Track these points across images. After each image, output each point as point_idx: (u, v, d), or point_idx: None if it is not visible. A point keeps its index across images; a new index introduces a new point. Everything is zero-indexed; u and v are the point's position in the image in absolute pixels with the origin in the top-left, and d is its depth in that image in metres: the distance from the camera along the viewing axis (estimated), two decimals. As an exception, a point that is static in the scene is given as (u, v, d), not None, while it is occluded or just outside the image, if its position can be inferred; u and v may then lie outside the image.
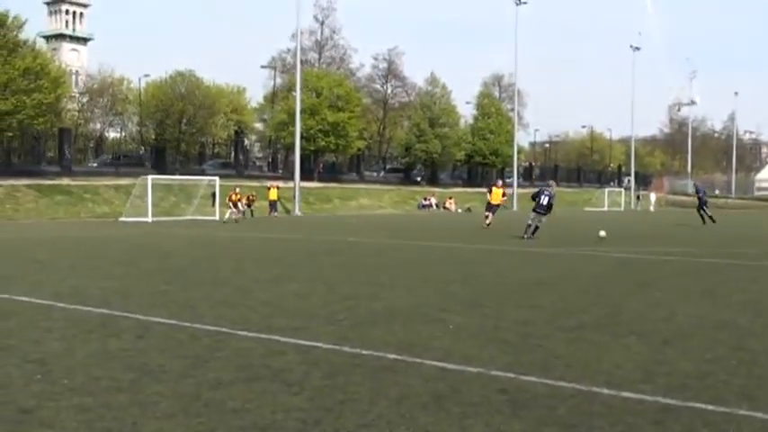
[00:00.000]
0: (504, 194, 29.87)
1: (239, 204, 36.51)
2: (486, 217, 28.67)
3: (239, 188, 38.29)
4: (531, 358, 6.36)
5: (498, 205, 29.33)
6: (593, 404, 5.04)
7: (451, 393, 5.26)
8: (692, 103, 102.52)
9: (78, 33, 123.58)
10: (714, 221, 31.67)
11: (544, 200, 21.74)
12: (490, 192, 29.76)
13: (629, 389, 5.40)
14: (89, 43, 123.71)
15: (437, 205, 59.16)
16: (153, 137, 61.18)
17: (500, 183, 31.12)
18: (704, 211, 32.28)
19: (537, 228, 21.56)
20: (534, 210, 21.89)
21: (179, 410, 4.81)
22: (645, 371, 5.95)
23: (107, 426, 4.51)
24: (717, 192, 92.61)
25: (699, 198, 33.42)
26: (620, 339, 7.20)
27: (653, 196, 73.12)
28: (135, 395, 5.14)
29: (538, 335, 7.37)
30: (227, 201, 36.55)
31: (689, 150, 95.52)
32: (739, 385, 5.57)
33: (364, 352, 6.50)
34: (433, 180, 68.96)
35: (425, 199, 59.90)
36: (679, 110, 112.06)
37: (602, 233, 21.50)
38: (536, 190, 23.44)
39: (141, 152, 56.88)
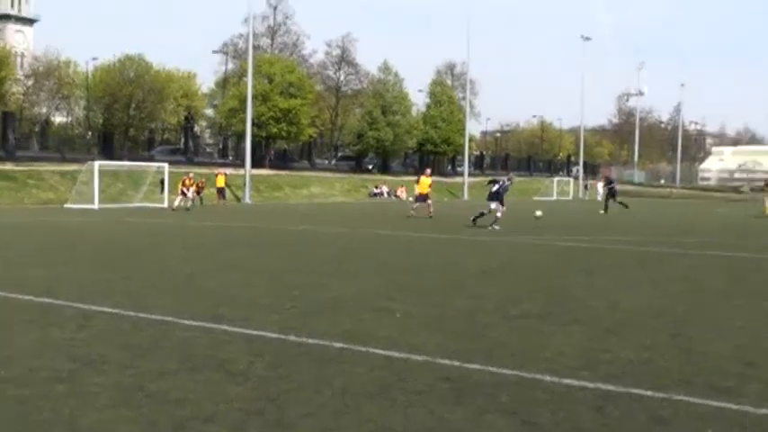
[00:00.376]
0: (430, 185, 29.84)
1: (190, 191, 35.96)
2: (419, 206, 28.89)
3: (192, 174, 37.78)
4: (476, 346, 6.42)
5: (426, 195, 28.91)
6: (535, 391, 5.12)
7: (396, 382, 5.28)
8: (640, 93, 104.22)
9: (24, 14, 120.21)
10: (627, 207, 34.98)
11: (494, 187, 22.18)
12: (418, 181, 29.73)
13: (571, 376, 5.49)
14: (35, 24, 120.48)
15: (388, 194, 59.24)
16: (100, 122, 59.94)
17: (428, 171, 31.11)
18: (614, 200, 35.25)
19: (482, 214, 21.94)
20: (489, 198, 22.36)
21: (120, 402, 4.74)
22: (587, 358, 6.06)
23: (44, 418, 4.43)
24: (662, 181, 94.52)
25: (610, 189, 36.36)
26: (564, 327, 7.31)
27: (600, 186, 74.33)
28: (74, 386, 5.05)
29: (483, 323, 7.44)
30: (179, 187, 35.92)
31: (636, 141, 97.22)
32: (677, 371, 5.71)
33: (310, 341, 6.49)
34: (384, 168, 68.99)
35: (377, 187, 59.92)
36: (627, 100, 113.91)
37: (539, 213, 21.95)
38: (491, 178, 23.68)
39: (87, 137, 55.72)
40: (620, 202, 35.17)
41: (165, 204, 37.03)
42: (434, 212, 27.67)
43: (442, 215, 27.58)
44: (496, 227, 21.13)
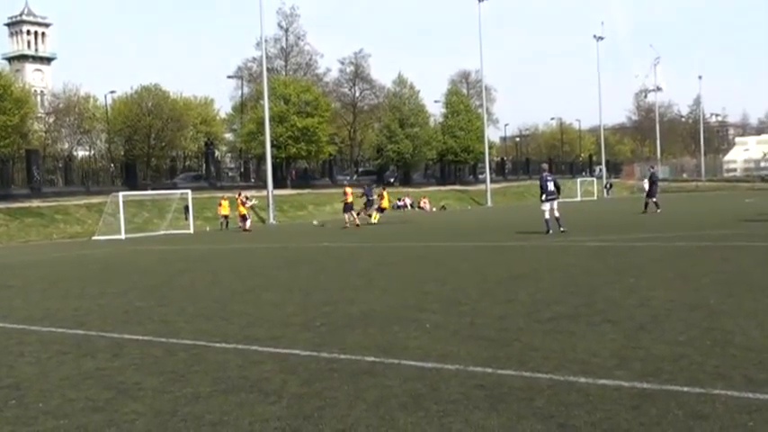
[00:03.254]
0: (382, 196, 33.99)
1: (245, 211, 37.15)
2: (370, 215, 32.59)
3: (243, 192, 39.38)
4: (508, 352, 6.39)
5: (352, 204, 32.42)
6: (570, 394, 5.08)
7: (430, 392, 5.27)
8: (658, 89, 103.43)
9: (41, 53, 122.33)
10: (659, 208, 31.28)
11: (550, 185, 21.46)
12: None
13: (606, 376, 5.45)
14: (53, 62, 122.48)
15: (412, 205, 59.22)
16: (122, 153, 60.60)
17: (346, 184, 35.84)
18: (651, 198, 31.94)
19: (557, 218, 21.07)
20: (546, 200, 21.37)
21: (156, 427, 4.78)
22: (620, 357, 6.01)
23: (83, 447, 4.47)
24: (684, 175, 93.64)
25: (652, 184, 32.81)
26: (596, 328, 7.25)
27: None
28: (111, 414, 5.09)
29: (514, 329, 7.40)
30: (240, 210, 36.99)
31: (657, 136, 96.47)
32: (713, 365, 5.63)
33: (342, 356, 6.50)
34: (405, 180, 69.03)
35: (399, 200, 59.94)
36: (645, 97, 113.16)
37: (316, 222, 21.92)
38: (538, 182, 22.58)
39: (111, 169, 56.35)
40: (655, 202, 31.67)
41: (191, 230, 37.32)
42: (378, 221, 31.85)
43: (465, 223, 27.52)
44: (562, 229, 20.74)
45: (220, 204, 40.14)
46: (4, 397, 5.73)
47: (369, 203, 34.91)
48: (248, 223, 36.59)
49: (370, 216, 34.23)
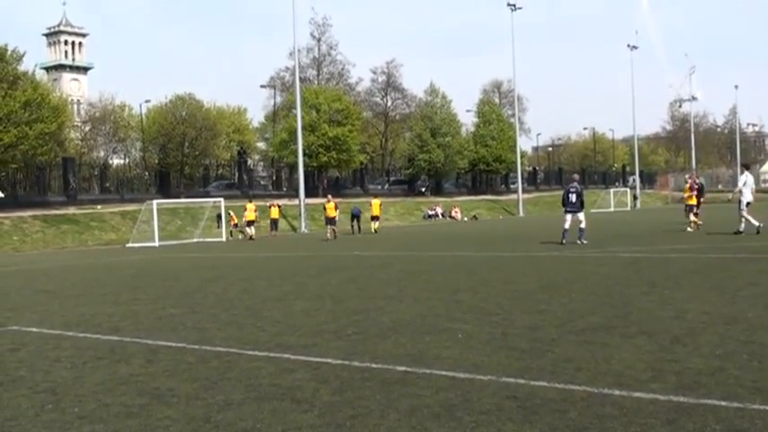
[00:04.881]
0: (336, 207, 34.20)
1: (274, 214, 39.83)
2: (333, 231, 33.01)
3: (275, 202, 41.15)
4: (541, 363, 6.33)
5: (333, 218, 33.52)
6: (604, 406, 5.02)
7: (462, 402, 5.24)
8: (693, 98, 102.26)
9: (78, 63, 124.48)
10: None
11: (572, 197, 21.52)
12: (325, 208, 34.37)
13: (641, 389, 5.37)
14: (89, 72, 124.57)
15: (443, 214, 59.13)
16: (156, 161, 61.34)
17: (329, 197, 35.83)
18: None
19: (581, 230, 21.19)
20: (566, 210, 21.62)
21: (190, 433, 4.81)
22: (655, 370, 5.93)
23: (118, 452, 4.51)
24: (720, 186, 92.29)
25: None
26: (630, 340, 7.17)
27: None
28: (145, 420, 5.14)
29: (547, 339, 7.34)
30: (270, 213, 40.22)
31: (692, 146, 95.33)
32: (751, 380, 5.53)
33: (373, 365, 6.49)
34: (437, 190, 68.99)
35: (431, 209, 59.90)
36: (680, 106, 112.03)
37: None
38: (563, 192, 22.85)
39: (145, 177, 57.05)
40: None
41: (223, 238, 37.61)
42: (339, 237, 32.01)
43: (497, 233, 27.40)
44: (582, 241, 20.80)
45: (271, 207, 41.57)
46: (40, 401, 5.81)
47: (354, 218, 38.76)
48: (251, 230, 37.58)
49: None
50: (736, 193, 22.92)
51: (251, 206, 39.05)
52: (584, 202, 21.88)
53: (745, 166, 25.00)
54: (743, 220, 22.20)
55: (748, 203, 22.29)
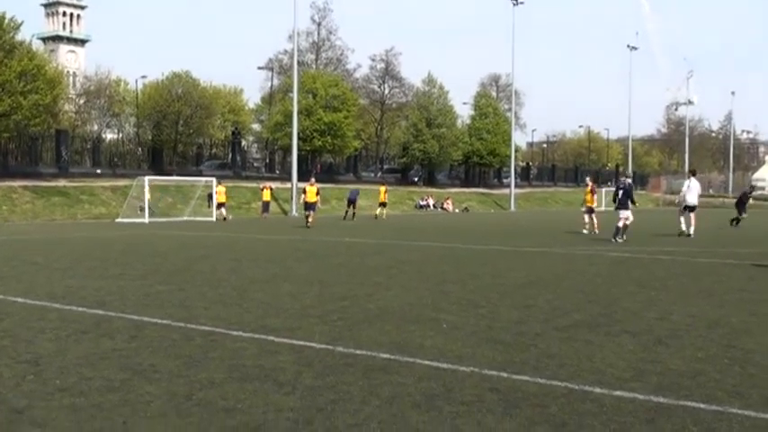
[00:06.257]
0: (318, 192, 31.71)
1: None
2: (308, 217, 30.11)
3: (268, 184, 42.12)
4: (524, 357, 6.36)
5: (314, 203, 31.01)
6: (584, 403, 5.05)
7: (444, 392, 5.26)
8: (690, 102, 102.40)
9: (75, 35, 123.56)
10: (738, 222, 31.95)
11: (621, 194, 21.83)
12: (305, 191, 31.55)
13: (621, 387, 5.41)
14: (86, 45, 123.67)
15: (434, 205, 59.16)
16: (150, 138, 61.00)
17: (312, 180, 32.68)
18: (740, 212, 32.05)
19: (624, 227, 21.30)
20: (615, 207, 21.96)
21: (170, 410, 4.81)
22: (637, 369, 5.96)
23: (98, 426, 4.51)
24: (711, 191, 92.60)
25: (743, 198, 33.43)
26: (614, 338, 7.21)
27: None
28: (126, 395, 5.14)
29: (531, 334, 7.37)
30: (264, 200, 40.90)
31: (686, 150, 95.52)
32: (731, 384, 5.58)
33: (357, 352, 6.50)
34: (430, 180, 68.95)
35: (423, 199, 59.89)
36: (676, 109, 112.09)
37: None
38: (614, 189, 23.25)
39: (138, 153, 56.84)
40: (736, 218, 32.31)
41: (213, 218, 37.55)
42: (355, 220, 31.01)
43: (488, 226, 27.45)
44: (620, 239, 20.88)
45: (263, 189, 42.60)
46: (22, 371, 5.80)
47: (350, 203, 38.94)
48: (223, 211, 37.99)
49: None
50: (680, 198, 24.34)
51: (221, 189, 39.05)
52: (633, 200, 22.07)
53: (692, 173, 26.25)
54: (682, 221, 23.79)
55: (686, 207, 23.78)
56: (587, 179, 30.11)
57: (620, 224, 21.23)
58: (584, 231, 25.32)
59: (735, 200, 37.31)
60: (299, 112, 50.14)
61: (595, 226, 25.36)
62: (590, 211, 26.21)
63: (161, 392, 5.20)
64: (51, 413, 4.73)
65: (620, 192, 21.94)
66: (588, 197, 26.72)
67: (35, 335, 7.26)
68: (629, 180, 22.78)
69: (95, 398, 5.07)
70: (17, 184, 39.77)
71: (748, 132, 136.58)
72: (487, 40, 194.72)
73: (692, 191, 23.89)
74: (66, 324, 7.83)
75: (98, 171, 44.70)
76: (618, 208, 21.71)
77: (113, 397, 5.10)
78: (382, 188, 42.12)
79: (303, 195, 31.62)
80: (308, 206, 30.77)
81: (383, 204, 41.27)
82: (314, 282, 11.51)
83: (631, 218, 21.72)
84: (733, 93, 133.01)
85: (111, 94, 67.38)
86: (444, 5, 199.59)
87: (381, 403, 4.98)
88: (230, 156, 60.16)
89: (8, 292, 10.13)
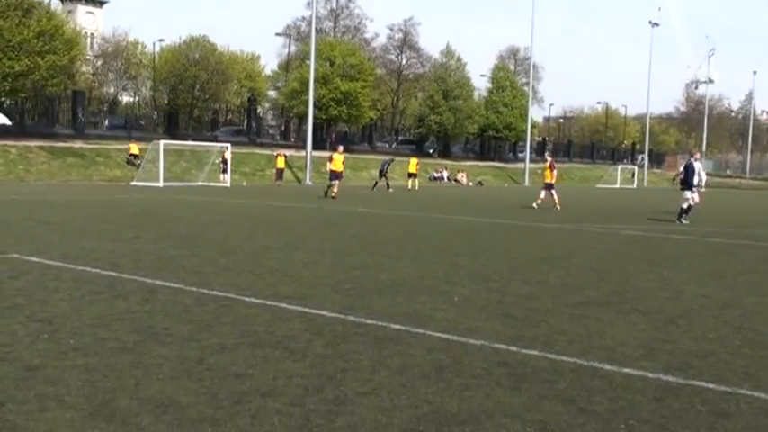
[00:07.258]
0: (343, 161, 29.90)
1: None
2: (331, 187, 28.62)
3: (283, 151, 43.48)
4: (534, 332, 6.37)
5: (340, 173, 29.36)
6: (593, 379, 5.06)
7: (453, 365, 5.28)
8: (710, 81, 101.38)
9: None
10: None
11: (689, 174, 20.80)
12: (331, 159, 29.45)
13: (631, 365, 5.41)
14: (104, 6, 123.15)
15: (448, 178, 59.06)
16: (166, 102, 61.03)
17: (341, 148, 30.32)
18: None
19: (687, 208, 20.62)
20: (683, 188, 20.96)
21: (182, 373, 4.86)
22: (647, 348, 5.96)
23: (110, 386, 4.56)
24: (728, 171, 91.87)
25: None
26: (625, 316, 7.20)
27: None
28: (139, 357, 5.19)
29: (542, 310, 7.38)
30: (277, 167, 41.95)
31: (704, 129, 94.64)
32: (741, 365, 5.57)
33: (368, 321, 6.53)
34: (445, 153, 68.76)
35: (437, 171, 59.81)
36: (696, 88, 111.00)
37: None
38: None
39: (154, 117, 56.90)
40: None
41: (228, 184, 37.66)
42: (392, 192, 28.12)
43: (502, 200, 27.39)
44: (685, 221, 20.30)
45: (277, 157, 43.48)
46: (36, 330, 5.86)
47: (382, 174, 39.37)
48: (226, 177, 39.34)
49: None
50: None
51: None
52: (695, 180, 20.84)
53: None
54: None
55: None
56: (546, 155, 30.11)
57: (685, 205, 20.57)
58: (534, 206, 25.03)
59: (752, 181, 36.28)
60: (316, 80, 49.96)
61: (556, 202, 24.93)
62: (548, 187, 25.84)
63: (173, 355, 5.25)
64: (64, 372, 4.79)
65: (687, 171, 20.84)
66: (547, 173, 26.39)
67: (49, 294, 7.34)
68: (695, 160, 21.16)
69: (108, 358, 5.13)
70: (33, 144, 39.98)
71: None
72: (507, 13, 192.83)
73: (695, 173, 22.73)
74: (80, 285, 7.90)
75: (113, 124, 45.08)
76: (683, 189, 20.86)
77: (126, 358, 5.15)
78: (414, 160, 44.16)
79: (329, 164, 29.64)
80: (334, 175, 28.96)
81: (413, 175, 42.72)
82: (326, 251, 11.54)
83: (697, 199, 20.96)
84: (755, 72, 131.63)
85: (128, 56, 67.38)
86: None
87: (391, 373, 5.01)
88: (245, 122, 60.18)
89: (23, 251, 10.22)
